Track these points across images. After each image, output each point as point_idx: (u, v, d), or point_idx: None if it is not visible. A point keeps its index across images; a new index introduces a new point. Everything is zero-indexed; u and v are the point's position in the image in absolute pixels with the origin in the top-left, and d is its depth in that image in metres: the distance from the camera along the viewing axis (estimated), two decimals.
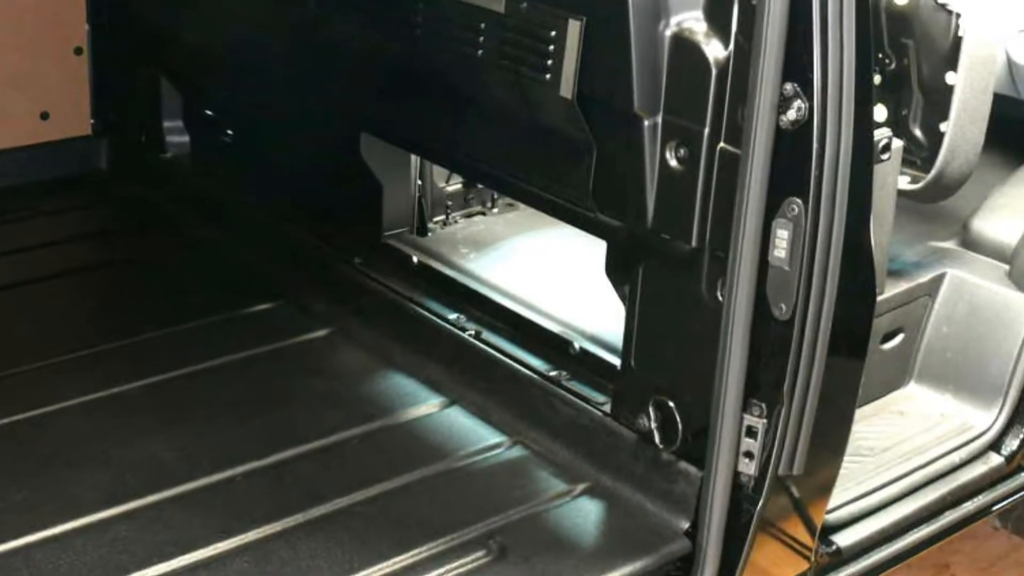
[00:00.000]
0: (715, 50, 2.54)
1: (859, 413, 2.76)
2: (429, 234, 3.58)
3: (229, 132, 3.94)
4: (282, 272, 3.65)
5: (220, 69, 3.88)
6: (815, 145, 2.39)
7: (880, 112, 3.34)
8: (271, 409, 3.10)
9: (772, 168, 2.43)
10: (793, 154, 2.41)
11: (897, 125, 3.33)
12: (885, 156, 2.97)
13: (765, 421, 2.56)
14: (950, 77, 3.22)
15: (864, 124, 2.44)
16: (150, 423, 3.01)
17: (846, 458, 2.72)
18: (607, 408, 2.95)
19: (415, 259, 3.46)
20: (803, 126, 2.40)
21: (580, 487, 2.89)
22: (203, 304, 3.50)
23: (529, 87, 2.85)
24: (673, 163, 2.65)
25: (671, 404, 2.79)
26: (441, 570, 2.62)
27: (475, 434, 3.05)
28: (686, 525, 2.73)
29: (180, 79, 4.08)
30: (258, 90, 3.75)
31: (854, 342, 2.59)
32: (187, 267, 3.74)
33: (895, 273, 3.32)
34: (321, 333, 3.42)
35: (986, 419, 3.25)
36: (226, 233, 3.84)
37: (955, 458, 3.16)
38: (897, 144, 3.04)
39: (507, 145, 3.06)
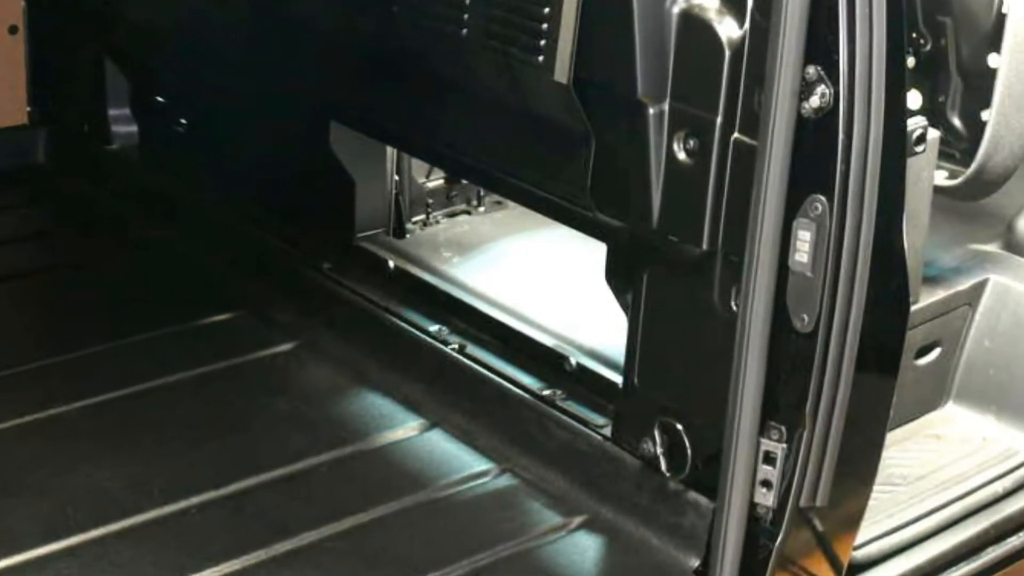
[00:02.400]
0: (729, 29, 2.55)
1: (890, 437, 2.76)
2: (407, 236, 3.59)
3: (183, 121, 3.94)
4: (242, 279, 3.65)
5: (172, 50, 3.88)
6: (841, 136, 2.39)
7: (914, 99, 3.34)
8: (230, 433, 3.10)
9: (793, 162, 2.43)
10: (816, 146, 2.42)
11: (933, 113, 3.34)
12: (920, 148, 2.97)
13: (785, 446, 2.56)
14: (992, 59, 3.23)
15: (896, 112, 2.44)
16: (94, 448, 3.01)
17: (876, 487, 2.72)
18: (607, 431, 2.96)
19: (391, 264, 3.46)
20: (827, 114, 2.40)
21: (577, 520, 2.89)
22: (153, 314, 3.50)
23: (519, 70, 2.85)
24: (681, 156, 2.65)
25: (679, 427, 2.79)
26: None
27: (459, 461, 3.05)
28: (696, 563, 2.73)
29: (127, 61, 4.08)
30: (215, 73, 3.76)
31: (885, 357, 2.60)
32: (135, 273, 3.74)
33: (931, 280, 3.32)
34: (286, 347, 3.42)
35: None
36: (179, 235, 3.84)
37: (998, 487, 3.16)
38: (933, 135, 3.04)
39: (495, 136, 3.07)
